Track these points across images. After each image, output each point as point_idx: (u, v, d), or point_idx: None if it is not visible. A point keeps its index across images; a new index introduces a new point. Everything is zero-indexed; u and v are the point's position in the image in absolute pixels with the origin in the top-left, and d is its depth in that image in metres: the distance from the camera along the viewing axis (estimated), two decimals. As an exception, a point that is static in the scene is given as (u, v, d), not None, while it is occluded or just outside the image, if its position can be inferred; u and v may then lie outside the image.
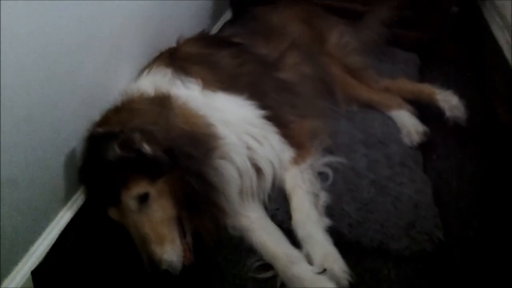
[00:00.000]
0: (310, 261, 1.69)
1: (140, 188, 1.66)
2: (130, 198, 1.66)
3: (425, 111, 2.49)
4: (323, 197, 1.91)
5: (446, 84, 2.56)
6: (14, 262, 1.62)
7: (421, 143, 2.31)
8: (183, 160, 1.71)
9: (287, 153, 2.02)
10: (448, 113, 2.42)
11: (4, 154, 1.43)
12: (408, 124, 2.38)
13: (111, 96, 1.95)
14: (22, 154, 1.51)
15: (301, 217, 1.82)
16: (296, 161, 2.01)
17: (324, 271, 1.64)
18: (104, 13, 1.80)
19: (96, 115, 1.85)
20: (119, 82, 2.01)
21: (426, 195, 2.00)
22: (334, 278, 1.63)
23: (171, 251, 1.63)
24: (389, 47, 3.07)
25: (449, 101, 2.44)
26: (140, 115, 1.81)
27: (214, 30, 3.04)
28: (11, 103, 1.40)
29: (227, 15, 3.32)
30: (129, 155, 1.65)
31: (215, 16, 3.12)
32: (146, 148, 1.66)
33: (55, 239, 1.74)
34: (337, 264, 1.67)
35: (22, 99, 1.46)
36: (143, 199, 1.67)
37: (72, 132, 1.76)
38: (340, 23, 2.87)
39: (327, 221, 1.82)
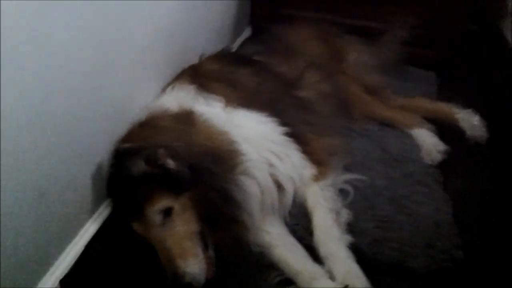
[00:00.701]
0: (332, 278, 1.70)
1: (163, 203, 1.69)
2: (153, 212, 1.69)
3: (445, 129, 2.49)
4: (345, 214, 1.93)
5: (465, 103, 2.57)
6: (43, 271, 1.64)
7: (441, 162, 2.31)
8: (206, 176, 1.74)
9: (308, 170, 2.04)
10: (468, 132, 2.43)
11: (37, 167, 1.47)
12: (429, 142, 2.39)
13: (136, 111, 1.98)
14: (53, 167, 1.55)
15: (323, 234, 1.84)
16: (317, 178, 2.03)
17: (346, 287, 1.65)
18: (130, 31, 1.84)
19: (121, 130, 1.89)
20: (144, 98, 2.05)
21: (446, 214, 2.00)
22: None
23: (194, 265, 1.66)
24: (407, 66, 3.09)
25: (469, 121, 2.46)
26: (164, 132, 1.85)
27: (235, 46, 3.08)
28: (39, 118, 1.44)
29: (247, 32, 3.36)
30: (154, 171, 1.69)
31: (235, 33, 3.16)
32: (170, 163, 1.69)
33: (82, 249, 1.77)
34: (359, 281, 1.68)
35: (54, 114, 1.50)
36: (167, 213, 1.69)
37: (99, 146, 1.79)
38: (357, 42, 2.89)
39: (348, 238, 1.83)
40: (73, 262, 1.74)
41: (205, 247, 1.74)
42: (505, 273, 1.82)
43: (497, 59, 3.19)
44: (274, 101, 2.19)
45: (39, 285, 1.62)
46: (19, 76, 1.34)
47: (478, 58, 3.20)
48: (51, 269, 1.67)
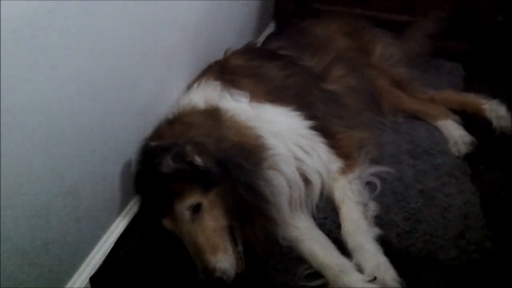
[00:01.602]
0: (360, 271, 1.70)
1: (193, 198, 1.71)
2: (183, 208, 1.71)
3: (472, 121, 2.47)
4: (372, 207, 1.93)
5: (492, 94, 2.54)
6: (74, 268, 1.68)
7: (468, 153, 2.30)
8: (234, 171, 1.75)
9: (335, 163, 2.04)
10: (495, 123, 2.41)
11: (67, 165, 1.50)
12: (455, 134, 2.37)
13: (164, 108, 2.02)
14: (83, 165, 1.58)
15: (351, 228, 1.84)
16: (344, 171, 2.03)
17: (374, 279, 1.65)
18: (159, 30, 1.87)
19: (150, 127, 1.93)
20: (171, 95, 2.08)
21: (474, 205, 2.00)
22: (385, 287, 1.64)
23: (224, 260, 1.67)
24: (434, 58, 3.06)
25: (496, 111, 2.43)
26: (192, 128, 1.87)
27: (259, 42, 3.08)
28: (72, 116, 1.47)
29: (271, 28, 3.36)
30: (182, 167, 1.71)
31: (259, 28, 3.17)
32: (198, 160, 1.72)
33: (112, 246, 1.81)
34: (388, 273, 1.68)
35: (83, 111, 1.53)
36: (196, 209, 1.71)
37: (128, 142, 1.83)
38: (384, 35, 2.87)
39: (376, 231, 1.83)
40: (103, 259, 1.77)
41: (235, 242, 1.76)
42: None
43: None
44: (301, 94, 2.19)
45: (70, 282, 1.66)
46: (56, 72, 1.37)
47: (504, 49, 3.15)
48: (82, 267, 1.71)
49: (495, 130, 2.41)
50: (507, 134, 2.39)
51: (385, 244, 1.81)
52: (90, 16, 1.45)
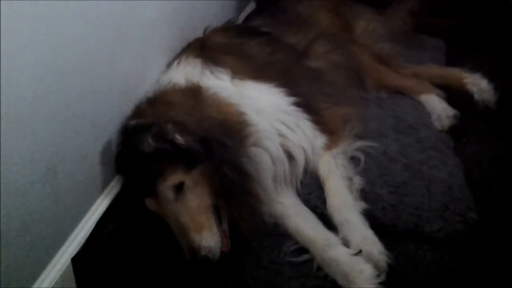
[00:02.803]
0: (347, 245, 1.70)
1: (175, 177, 1.69)
2: (166, 188, 1.69)
3: (455, 95, 2.48)
4: (357, 181, 1.92)
5: (473, 68, 2.56)
6: (55, 249, 1.65)
7: (451, 127, 2.30)
8: (217, 149, 1.73)
9: (319, 139, 2.03)
10: (477, 96, 2.43)
11: (43, 144, 1.46)
12: (438, 108, 2.38)
13: (144, 87, 1.99)
14: (61, 144, 1.55)
15: (337, 202, 1.83)
16: (329, 147, 2.02)
17: (360, 252, 1.65)
18: (136, 7, 1.83)
19: (130, 106, 1.89)
20: (151, 73, 2.05)
21: (458, 177, 2.00)
22: (372, 260, 1.64)
23: (209, 238, 1.66)
24: (416, 34, 3.08)
25: (478, 85, 2.45)
26: (173, 107, 1.84)
27: (239, 20, 3.05)
28: (48, 93, 1.44)
29: (251, 6, 3.34)
30: (163, 146, 1.68)
31: (240, 7, 3.16)
32: (179, 139, 1.69)
33: (93, 226, 1.78)
34: (375, 246, 1.68)
35: (60, 89, 1.49)
36: (179, 188, 1.69)
37: (108, 122, 1.80)
38: (367, 11, 2.90)
39: (362, 205, 1.83)
40: (84, 239, 1.75)
41: (219, 221, 1.74)
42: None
43: (504, 24, 3.15)
44: (285, 71, 2.18)
45: (51, 263, 1.63)
46: (31, 48, 1.34)
47: (485, 24, 3.17)
48: (63, 247, 1.68)
49: (477, 103, 2.41)
50: (489, 107, 2.40)
51: (371, 218, 1.80)
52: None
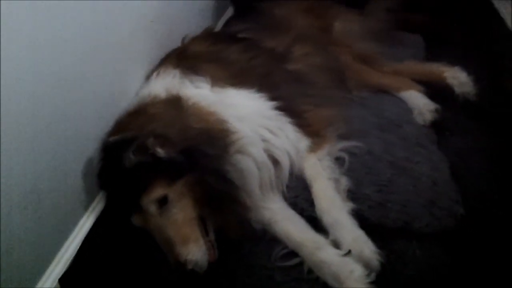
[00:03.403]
0: (338, 247, 1.69)
1: (158, 191, 1.67)
2: (150, 202, 1.67)
3: (436, 90, 2.48)
4: (344, 182, 1.91)
5: (453, 62, 2.56)
6: (41, 271, 1.64)
7: (434, 121, 2.31)
8: (200, 159, 1.72)
9: (303, 142, 2.02)
10: (457, 89, 2.43)
11: (24, 165, 1.45)
12: (419, 103, 2.38)
13: (124, 101, 1.98)
14: (43, 163, 1.54)
15: (325, 204, 1.83)
16: (313, 149, 2.02)
17: (349, 252, 1.64)
18: (111, 20, 1.82)
19: (110, 121, 1.89)
20: (130, 86, 2.05)
21: (443, 172, 2.00)
22: (365, 260, 1.64)
23: (195, 251, 1.64)
24: (395, 31, 3.07)
25: (457, 78, 2.45)
26: (154, 120, 1.83)
27: (218, 27, 3.05)
28: (25, 113, 1.43)
29: (229, 12, 3.33)
30: (145, 160, 1.67)
31: (218, 14, 3.15)
32: (160, 151, 1.68)
33: (79, 245, 1.76)
34: (366, 246, 1.68)
35: (37, 108, 1.48)
36: (163, 202, 1.68)
37: (88, 138, 1.79)
38: (344, 11, 2.89)
39: (351, 205, 1.82)
40: (71, 259, 1.73)
41: (206, 231, 1.73)
42: (508, 225, 1.83)
43: (479, 17, 3.18)
44: (264, 76, 2.17)
45: (38, 285, 1.61)
46: (10, 68, 1.34)
47: (461, 18, 3.19)
48: (50, 268, 1.67)
49: (458, 96, 2.42)
50: (470, 99, 2.41)
51: (359, 217, 1.79)
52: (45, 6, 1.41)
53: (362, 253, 1.66)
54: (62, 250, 1.72)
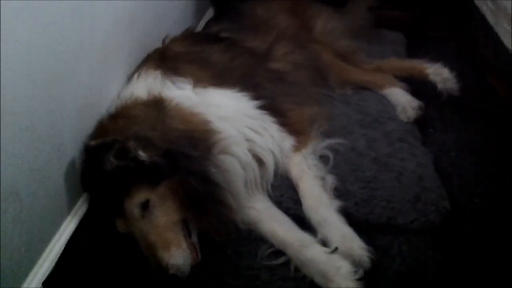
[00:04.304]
0: (326, 245, 1.69)
1: (140, 195, 1.65)
2: (132, 206, 1.65)
3: (419, 86, 2.50)
4: (330, 179, 1.91)
5: (435, 58, 2.58)
6: (25, 273, 1.60)
7: (417, 118, 2.33)
8: (183, 161, 1.70)
9: (287, 141, 2.02)
10: (440, 85, 2.45)
11: (5, 167, 1.42)
12: (402, 100, 2.40)
13: (106, 103, 1.96)
14: (23, 166, 1.50)
15: (313, 202, 1.83)
16: (298, 148, 2.01)
17: (336, 249, 1.64)
18: (91, 21, 1.80)
19: (92, 123, 1.86)
20: (112, 88, 2.02)
21: (428, 167, 2.02)
22: (354, 257, 1.64)
23: (178, 255, 1.62)
24: (376, 29, 3.10)
25: (440, 74, 2.47)
26: (136, 122, 1.80)
27: (198, 28, 3.03)
28: (6, 115, 1.39)
29: (210, 13, 3.32)
30: (126, 164, 1.64)
31: (198, 14, 3.13)
32: (142, 155, 1.65)
33: (62, 248, 1.73)
34: (355, 243, 1.68)
35: (18, 110, 1.45)
36: (145, 206, 1.65)
37: (70, 141, 1.75)
38: (325, 9, 2.90)
39: (338, 203, 1.82)
40: (54, 262, 1.70)
41: (189, 234, 1.70)
42: (492, 218, 1.85)
43: (461, 13, 3.21)
44: (247, 75, 2.17)
45: (22, 288, 1.58)
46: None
47: (442, 14, 3.22)
48: (33, 271, 1.63)
49: (441, 93, 2.43)
50: (453, 95, 2.42)
51: (345, 214, 1.79)
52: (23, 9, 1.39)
53: (352, 250, 1.66)
54: (45, 252, 1.69)
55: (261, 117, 2.01)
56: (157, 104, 1.90)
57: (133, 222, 1.66)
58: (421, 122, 2.33)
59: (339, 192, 1.88)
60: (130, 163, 1.65)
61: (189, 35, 2.41)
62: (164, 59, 2.13)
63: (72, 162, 1.77)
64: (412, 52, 2.95)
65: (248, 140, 1.93)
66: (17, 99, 1.43)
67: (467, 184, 2.02)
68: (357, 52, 2.74)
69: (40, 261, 1.66)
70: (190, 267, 1.64)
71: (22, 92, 1.45)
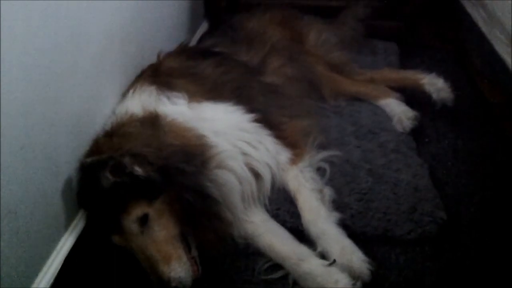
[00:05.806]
0: (326, 258, 1.70)
1: (138, 210, 1.66)
2: (130, 222, 1.65)
3: (412, 96, 2.52)
4: (328, 192, 1.92)
5: (428, 68, 2.60)
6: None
7: (413, 128, 2.33)
8: (179, 177, 1.71)
9: (283, 154, 2.03)
10: (434, 95, 2.45)
11: (2, 186, 1.42)
12: (398, 111, 2.41)
13: (101, 119, 1.95)
14: (20, 185, 1.50)
15: (311, 216, 1.83)
16: (294, 161, 2.02)
17: (333, 262, 1.65)
18: (82, 37, 1.79)
19: (88, 140, 1.86)
20: (106, 104, 2.01)
21: (423, 178, 2.03)
22: (354, 270, 1.64)
23: (178, 269, 1.63)
24: (368, 39, 3.11)
25: (434, 84, 2.47)
26: (130, 139, 1.81)
27: (193, 41, 3.04)
28: (4, 133, 1.39)
29: (204, 27, 3.33)
30: (123, 180, 1.65)
31: (192, 29, 3.13)
32: (138, 170, 1.65)
33: (60, 265, 1.72)
34: (355, 255, 1.68)
35: (13, 129, 1.45)
36: (144, 221, 1.66)
37: (66, 158, 1.75)
38: (317, 22, 2.91)
39: (336, 215, 1.83)
40: (52, 279, 1.69)
41: (188, 248, 1.71)
42: (489, 227, 1.87)
43: (453, 22, 3.23)
44: (240, 89, 2.17)
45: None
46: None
47: (435, 23, 3.24)
48: (32, 289, 1.63)
49: (435, 103, 2.44)
50: (448, 105, 2.43)
51: (341, 226, 1.80)
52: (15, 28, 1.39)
53: (351, 262, 1.66)
54: (43, 270, 1.68)
55: (256, 131, 2.01)
56: (152, 121, 1.90)
57: (132, 237, 1.67)
58: (416, 132, 2.34)
59: (335, 204, 1.89)
60: (126, 179, 1.65)
61: (183, 50, 2.41)
62: (158, 74, 2.14)
63: (68, 180, 1.76)
64: (405, 61, 2.96)
65: (244, 154, 1.94)
66: (13, 118, 1.43)
67: (463, 194, 2.03)
68: (350, 63, 2.74)
69: (37, 279, 1.65)
70: (192, 280, 1.64)
71: (17, 113, 1.45)
